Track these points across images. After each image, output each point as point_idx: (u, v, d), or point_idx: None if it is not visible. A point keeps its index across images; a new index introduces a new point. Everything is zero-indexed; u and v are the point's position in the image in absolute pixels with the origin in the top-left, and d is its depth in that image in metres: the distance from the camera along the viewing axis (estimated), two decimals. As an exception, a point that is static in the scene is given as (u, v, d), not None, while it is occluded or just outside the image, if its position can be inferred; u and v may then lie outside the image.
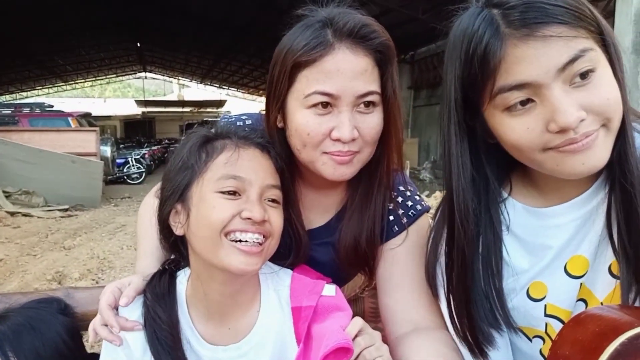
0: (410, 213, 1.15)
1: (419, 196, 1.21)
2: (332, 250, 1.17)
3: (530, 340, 0.96)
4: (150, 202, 1.35)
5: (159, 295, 1.02)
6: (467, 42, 0.81)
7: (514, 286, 0.94)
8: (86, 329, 1.42)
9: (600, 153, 0.78)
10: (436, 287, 1.03)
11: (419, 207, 1.18)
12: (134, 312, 1.02)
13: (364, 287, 1.42)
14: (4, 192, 9.94)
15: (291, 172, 1.12)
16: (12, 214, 9.42)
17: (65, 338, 1.24)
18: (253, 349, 1.02)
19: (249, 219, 0.92)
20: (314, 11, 1.06)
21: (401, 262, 1.13)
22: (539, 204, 0.94)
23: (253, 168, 0.97)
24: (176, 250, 1.08)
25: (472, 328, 0.93)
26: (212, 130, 1.05)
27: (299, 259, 1.13)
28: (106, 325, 1.01)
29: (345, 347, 0.84)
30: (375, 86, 1.03)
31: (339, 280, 1.16)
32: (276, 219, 0.98)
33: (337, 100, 0.99)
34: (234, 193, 0.94)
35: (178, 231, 1.00)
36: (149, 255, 1.21)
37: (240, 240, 0.93)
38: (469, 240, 0.90)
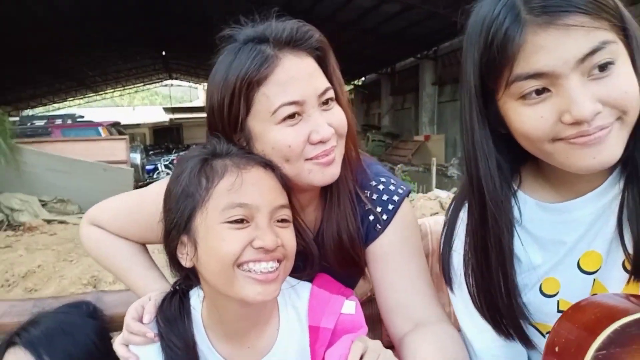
0: (389, 207, 1.12)
1: (394, 184, 1.17)
2: (322, 264, 1.14)
3: (544, 335, 0.94)
4: (94, 232, 1.33)
5: (170, 319, 1.00)
6: (487, 28, 0.79)
7: (527, 281, 0.93)
8: (115, 330, 1.47)
9: (613, 147, 0.76)
10: (450, 276, 1.02)
11: (395, 197, 1.14)
12: (153, 330, 1.01)
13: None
14: (40, 200, 10.31)
15: None
16: (49, 221, 9.75)
17: (95, 340, 1.28)
18: None
19: (261, 248, 0.88)
20: (235, 32, 1.04)
21: (392, 260, 1.11)
22: (551, 199, 0.92)
23: (259, 191, 0.91)
24: (188, 278, 1.04)
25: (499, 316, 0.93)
26: (209, 149, 0.98)
27: (314, 269, 1.10)
28: (126, 346, 1.03)
29: None
30: (326, 82, 1.04)
31: None
32: (289, 240, 0.94)
33: (303, 106, 0.98)
34: (241, 221, 0.88)
35: (187, 264, 0.95)
36: (150, 277, 1.24)
37: (254, 270, 0.89)
38: (506, 226, 0.89)
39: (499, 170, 0.88)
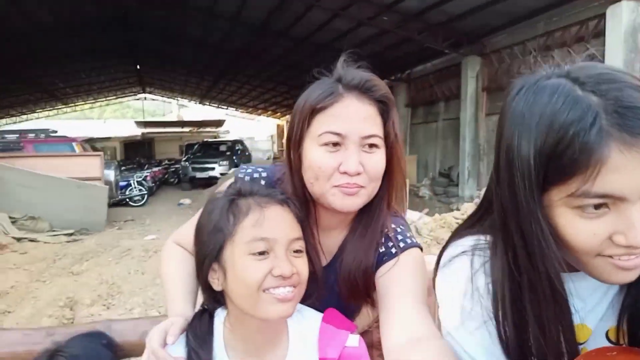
0: (400, 244, 1.24)
1: (410, 234, 1.29)
2: (334, 288, 1.26)
3: None
4: (174, 249, 1.44)
5: (199, 336, 1.10)
6: (558, 129, 0.71)
7: None
8: (122, 357, 1.57)
9: None
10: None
11: (409, 241, 1.25)
12: (177, 351, 1.09)
13: (373, 322, 1.51)
14: (9, 217, 10.08)
15: (304, 212, 1.22)
16: (19, 239, 9.53)
17: (112, 371, 1.38)
18: None
19: (279, 275, 1.02)
20: (330, 72, 1.24)
21: (394, 282, 1.20)
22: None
23: (278, 226, 1.05)
24: (217, 300, 1.16)
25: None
26: (235, 190, 1.12)
27: (319, 293, 1.21)
28: None
29: None
30: (377, 130, 1.18)
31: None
32: (302, 268, 1.07)
33: (344, 139, 1.14)
34: (263, 253, 1.03)
35: (217, 288, 1.09)
36: (182, 300, 1.31)
37: (275, 293, 1.02)
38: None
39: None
